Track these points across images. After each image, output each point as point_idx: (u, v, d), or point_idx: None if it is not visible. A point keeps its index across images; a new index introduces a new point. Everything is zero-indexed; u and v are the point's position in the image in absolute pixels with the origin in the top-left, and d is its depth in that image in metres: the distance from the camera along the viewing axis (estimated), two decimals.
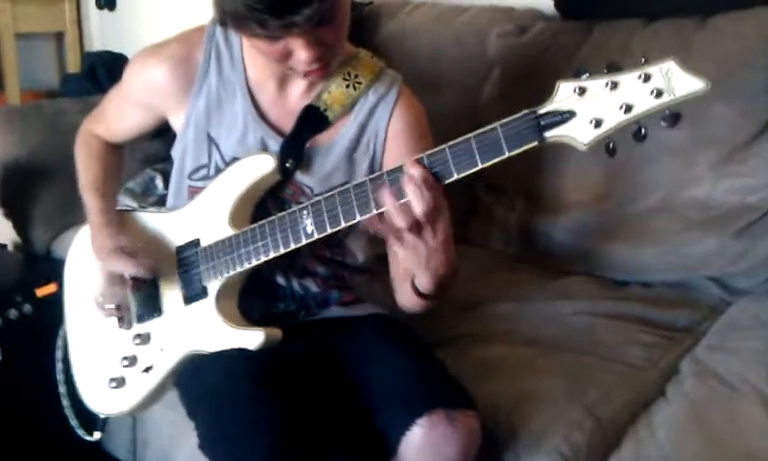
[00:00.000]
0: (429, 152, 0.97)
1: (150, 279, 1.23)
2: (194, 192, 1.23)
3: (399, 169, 0.99)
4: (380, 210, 1.00)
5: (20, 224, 1.91)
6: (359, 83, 1.20)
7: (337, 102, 1.19)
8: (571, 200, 1.68)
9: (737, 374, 1.24)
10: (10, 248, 1.96)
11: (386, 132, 1.20)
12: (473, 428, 1.05)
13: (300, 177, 1.19)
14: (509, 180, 1.78)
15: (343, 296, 1.27)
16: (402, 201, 0.97)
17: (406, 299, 1.17)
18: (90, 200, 1.29)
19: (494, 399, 1.18)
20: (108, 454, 1.66)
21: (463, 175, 0.96)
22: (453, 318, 1.44)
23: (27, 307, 1.67)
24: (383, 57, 1.26)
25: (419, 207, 0.95)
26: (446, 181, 0.97)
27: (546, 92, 0.92)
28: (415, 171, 0.96)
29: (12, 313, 1.65)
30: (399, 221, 0.97)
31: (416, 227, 0.97)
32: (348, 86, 1.19)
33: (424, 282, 1.07)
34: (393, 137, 1.20)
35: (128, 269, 1.20)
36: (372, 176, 1.02)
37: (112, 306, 1.25)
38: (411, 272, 1.08)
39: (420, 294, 1.11)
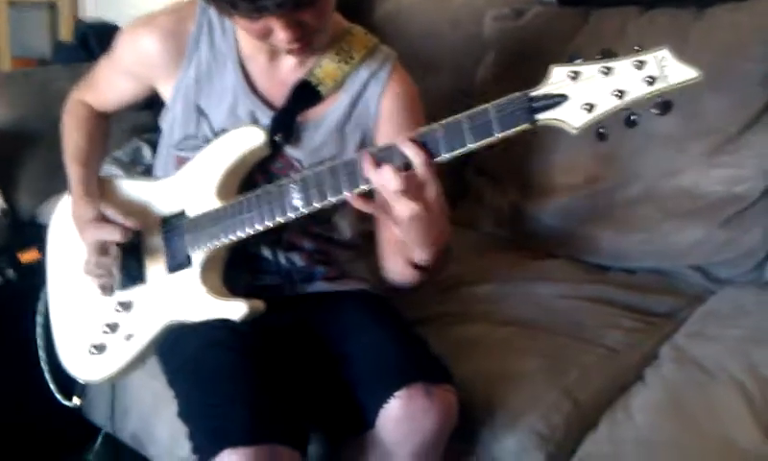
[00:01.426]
0: (420, 130, 0.97)
1: (135, 241, 1.21)
2: (181, 162, 1.22)
3: (389, 146, 0.98)
4: (369, 187, 0.99)
5: (6, 189, 1.89)
6: (351, 58, 1.19)
7: (329, 77, 1.18)
8: (559, 185, 1.68)
9: (716, 361, 1.25)
10: None
11: (378, 108, 1.19)
12: (451, 403, 1.06)
13: (290, 150, 1.18)
14: (499, 163, 1.78)
15: (328, 271, 1.27)
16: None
17: (398, 272, 1.17)
18: (72, 169, 1.28)
19: (472, 375, 1.18)
20: (88, 421, 1.66)
21: (453, 154, 0.96)
22: (434, 297, 1.44)
23: (10, 272, 1.66)
24: (378, 36, 1.25)
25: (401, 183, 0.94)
26: (435, 161, 0.97)
27: (541, 77, 0.91)
28: (406, 148, 0.95)
29: None
30: (386, 193, 0.96)
31: (402, 195, 0.95)
32: (340, 62, 1.18)
33: (424, 255, 1.06)
34: (385, 114, 1.20)
35: (108, 235, 1.19)
36: (361, 152, 1.01)
37: (104, 276, 1.23)
38: (408, 246, 1.06)
39: (416, 266, 1.10)
